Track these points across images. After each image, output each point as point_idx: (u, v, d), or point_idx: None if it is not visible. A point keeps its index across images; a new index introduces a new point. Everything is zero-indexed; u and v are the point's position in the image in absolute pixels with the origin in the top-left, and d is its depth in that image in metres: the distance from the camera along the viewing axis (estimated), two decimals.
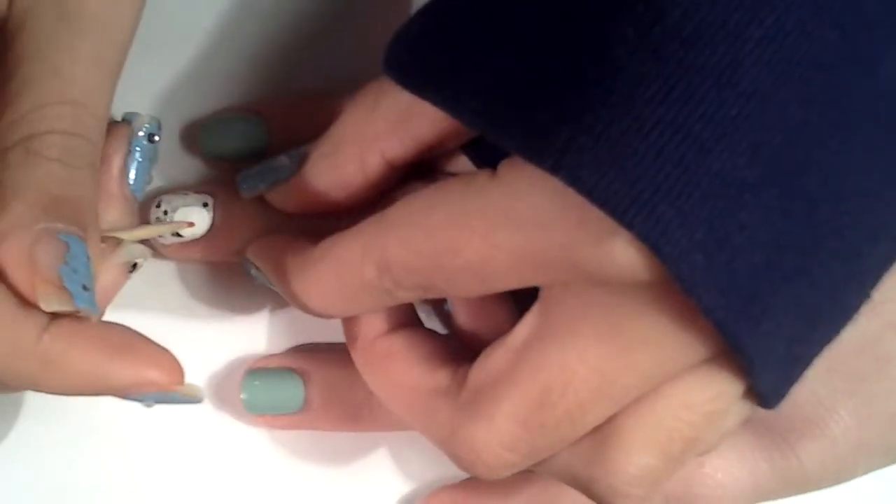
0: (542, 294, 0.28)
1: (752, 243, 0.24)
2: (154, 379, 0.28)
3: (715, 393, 0.27)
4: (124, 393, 0.28)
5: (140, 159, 0.31)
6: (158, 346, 0.28)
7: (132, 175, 0.31)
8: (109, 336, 0.28)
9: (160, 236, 0.34)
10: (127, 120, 0.32)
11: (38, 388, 0.28)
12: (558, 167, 0.24)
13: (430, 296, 0.29)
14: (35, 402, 0.36)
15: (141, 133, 0.32)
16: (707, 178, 0.23)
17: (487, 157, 0.27)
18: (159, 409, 0.36)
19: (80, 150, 0.28)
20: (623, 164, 0.23)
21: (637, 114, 0.23)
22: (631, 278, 0.24)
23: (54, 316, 0.27)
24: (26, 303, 0.27)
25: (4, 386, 0.28)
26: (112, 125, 0.31)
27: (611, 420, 0.28)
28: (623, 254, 0.24)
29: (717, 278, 0.24)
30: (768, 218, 0.24)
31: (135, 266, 0.30)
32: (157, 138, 0.32)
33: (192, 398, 0.29)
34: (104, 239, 0.30)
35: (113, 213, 0.31)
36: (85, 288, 0.27)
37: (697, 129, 0.23)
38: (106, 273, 0.30)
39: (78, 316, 0.27)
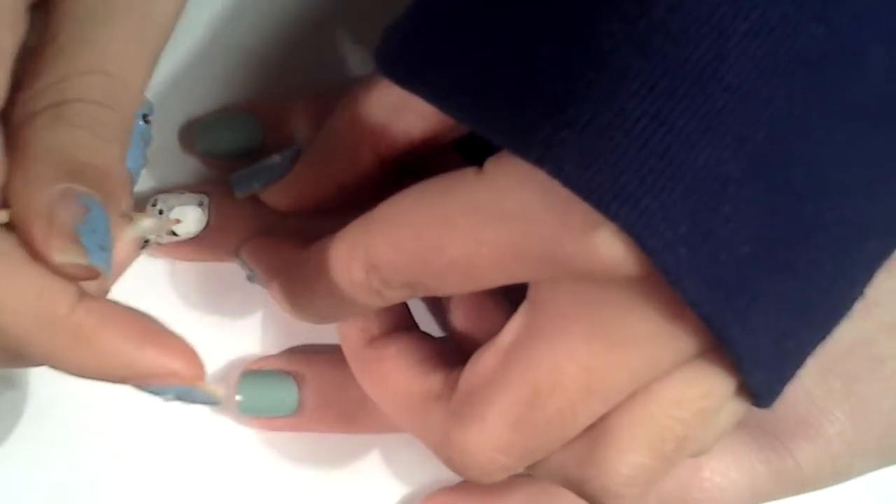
0: (530, 293, 0.28)
1: (736, 237, 0.24)
2: (178, 370, 0.27)
3: (706, 389, 0.27)
4: (146, 381, 0.28)
5: (136, 141, 0.31)
6: (184, 340, 0.28)
7: (129, 157, 0.31)
8: (139, 320, 0.27)
9: (157, 235, 0.34)
10: None
11: (59, 364, 0.27)
12: (543, 159, 0.24)
13: (419, 294, 0.29)
14: (35, 402, 0.37)
15: (136, 115, 0.32)
16: (691, 172, 0.23)
17: (480, 155, 0.27)
18: (156, 411, 0.37)
19: (110, 122, 0.28)
20: (607, 156, 0.23)
21: (621, 107, 0.23)
22: (615, 272, 0.24)
23: (83, 295, 0.27)
24: (56, 272, 0.26)
25: (23, 358, 0.28)
26: None
27: (602, 419, 0.28)
28: (606, 246, 0.24)
29: (701, 271, 0.24)
30: (753, 211, 0.24)
31: (146, 242, 0.30)
32: (150, 119, 0.32)
33: (212, 397, 0.29)
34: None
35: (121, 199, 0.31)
36: (102, 248, 0.26)
37: (682, 122, 0.23)
38: (119, 245, 0.29)
39: (104, 299, 0.27)
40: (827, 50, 0.24)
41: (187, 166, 0.37)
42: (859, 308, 0.28)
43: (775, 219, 0.24)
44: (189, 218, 0.34)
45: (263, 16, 0.37)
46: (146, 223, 0.29)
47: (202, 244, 0.35)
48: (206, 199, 0.35)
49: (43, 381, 0.36)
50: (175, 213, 0.34)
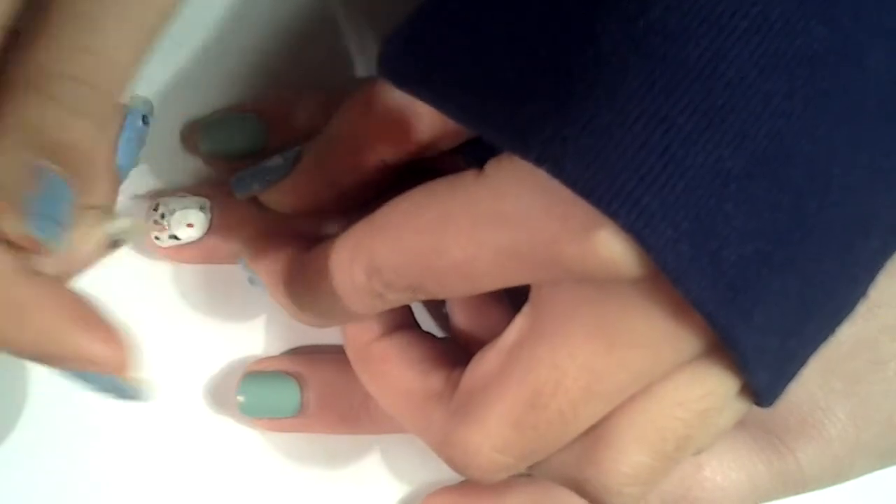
0: (532, 295, 0.28)
1: (739, 234, 0.24)
2: (97, 355, 0.26)
3: (708, 390, 0.27)
4: (67, 364, 0.27)
5: (131, 138, 0.31)
6: (120, 330, 0.27)
7: (121, 154, 0.31)
8: (76, 303, 0.27)
9: (156, 238, 0.34)
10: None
11: None
12: (543, 159, 0.24)
13: (421, 297, 0.29)
14: (35, 403, 0.37)
15: (135, 112, 0.31)
16: (692, 169, 0.23)
17: (483, 158, 0.27)
18: (157, 412, 0.37)
19: (90, 99, 0.27)
20: (607, 155, 0.23)
21: (621, 106, 0.23)
22: (616, 273, 0.24)
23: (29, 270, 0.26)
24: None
25: None
26: None
27: (604, 419, 0.28)
28: (606, 247, 0.24)
29: (704, 269, 0.24)
30: (755, 209, 0.24)
31: (116, 244, 0.30)
32: (149, 120, 0.31)
33: (135, 391, 0.27)
34: (92, 207, 0.28)
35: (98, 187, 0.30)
36: (52, 220, 0.25)
37: (682, 120, 0.23)
38: (85, 237, 0.28)
39: (46, 278, 0.26)
40: (828, 47, 0.24)
41: (189, 167, 0.37)
42: (861, 310, 0.28)
43: (777, 216, 0.24)
44: (191, 221, 0.34)
45: (267, 15, 0.37)
46: (120, 223, 0.29)
47: (204, 247, 0.35)
48: (207, 203, 0.35)
49: (44, 382, 0.37)
50: (177, 217, 0.34)
